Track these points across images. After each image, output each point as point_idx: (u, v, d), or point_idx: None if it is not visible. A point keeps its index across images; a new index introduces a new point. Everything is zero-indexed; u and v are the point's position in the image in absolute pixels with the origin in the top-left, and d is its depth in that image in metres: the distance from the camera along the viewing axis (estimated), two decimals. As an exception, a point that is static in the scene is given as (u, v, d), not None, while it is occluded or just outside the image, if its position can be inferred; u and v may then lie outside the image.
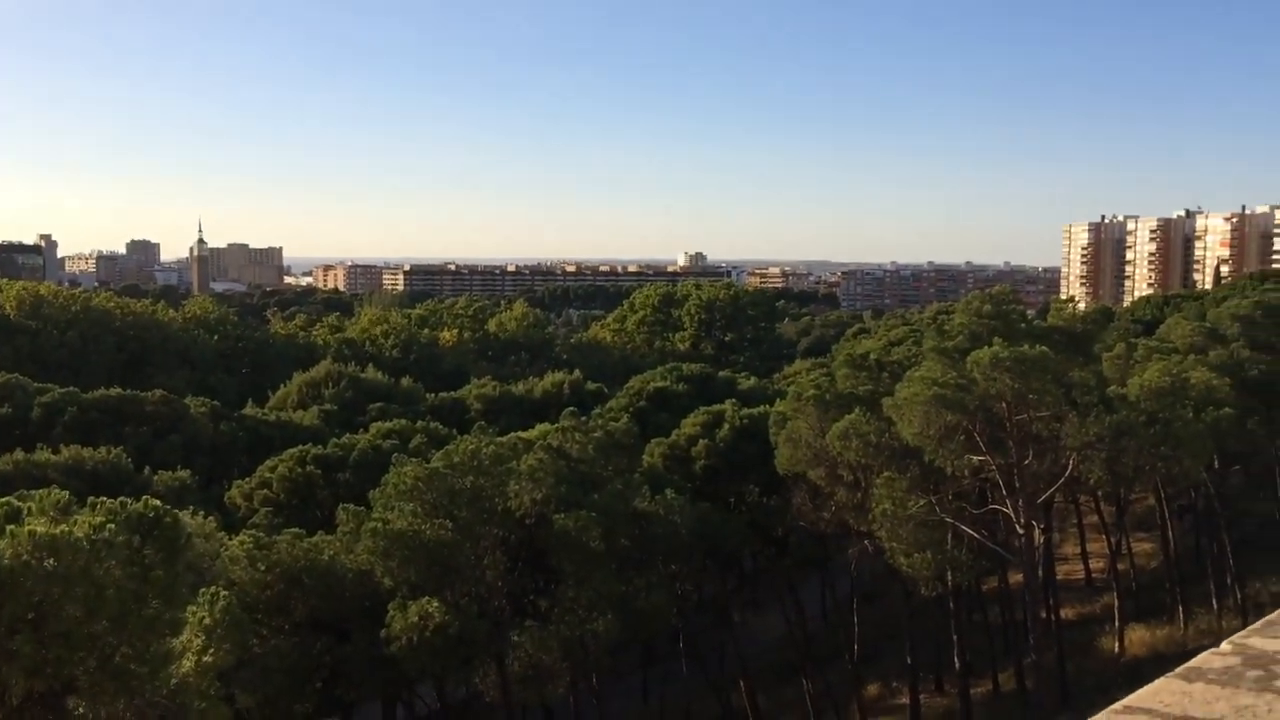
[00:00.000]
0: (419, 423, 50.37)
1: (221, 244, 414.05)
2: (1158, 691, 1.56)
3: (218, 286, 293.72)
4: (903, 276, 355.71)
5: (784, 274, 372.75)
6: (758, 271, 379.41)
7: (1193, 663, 1.69)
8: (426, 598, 26.95)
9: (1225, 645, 1.78)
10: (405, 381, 74.73)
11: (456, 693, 35.43)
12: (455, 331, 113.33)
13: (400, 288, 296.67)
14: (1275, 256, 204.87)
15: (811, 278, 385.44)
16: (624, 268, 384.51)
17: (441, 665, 28.38)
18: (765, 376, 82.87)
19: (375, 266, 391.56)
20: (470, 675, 31.52)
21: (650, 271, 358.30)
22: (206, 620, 14.87)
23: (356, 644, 28.09)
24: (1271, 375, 45.78)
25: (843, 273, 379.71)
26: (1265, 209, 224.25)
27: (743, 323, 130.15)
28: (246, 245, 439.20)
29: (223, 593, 16.07)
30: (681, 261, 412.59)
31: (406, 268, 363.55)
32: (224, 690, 18.59)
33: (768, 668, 46.91)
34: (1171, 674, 1.63)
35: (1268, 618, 2.00)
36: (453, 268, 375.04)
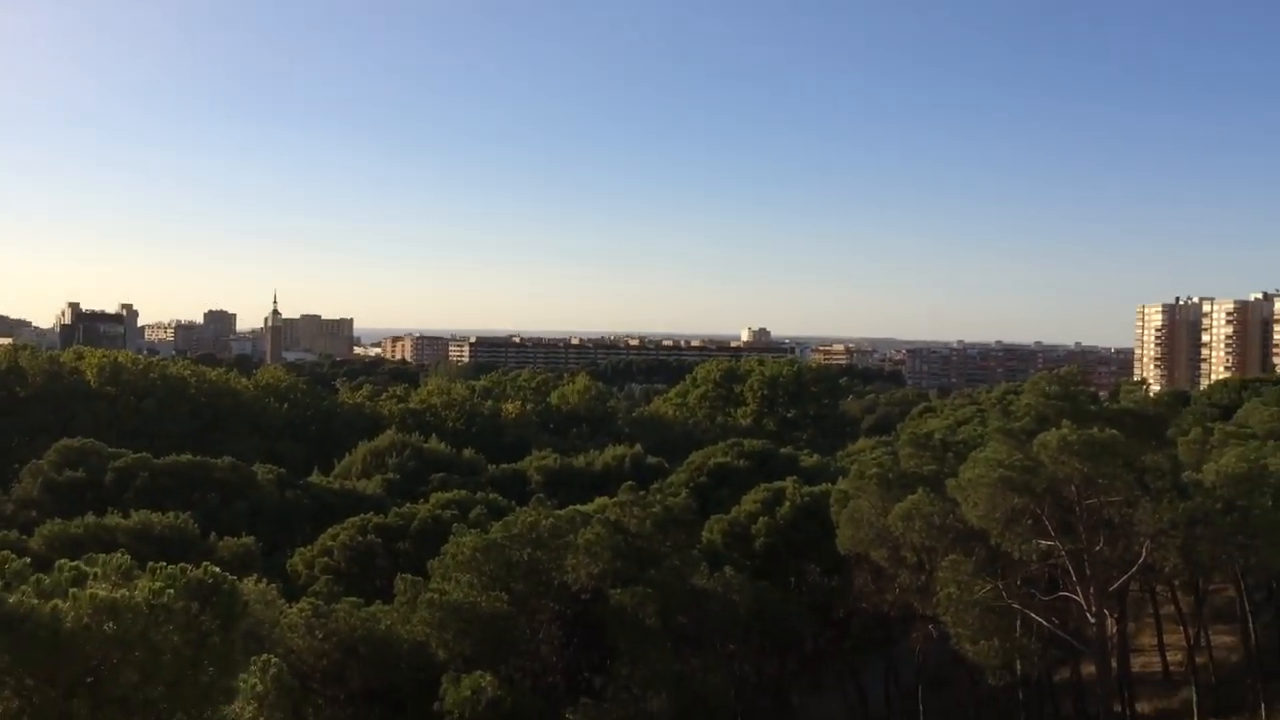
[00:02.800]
0: (479, 494, 50.61)
1: (295, 315, 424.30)
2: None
3: (289, 356, 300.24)
4: (969, 355, 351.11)
5: (848, 351, 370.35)
6: (821, 348, 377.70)
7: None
8: (480, 671, 26.76)
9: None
10: (467, 452, 75.23)
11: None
12: (518, 403, 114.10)
13: (465, 359, 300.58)
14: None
15: (876, 355, 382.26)
16: (687, 342, 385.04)
17: (494, 741, 28.00)
18: (828, 454, 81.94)
19: (442, 338, 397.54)
20: (523, 752, 31.07)
21: (713, 346, 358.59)
22: (259, 688, 14.91)
23: (410, 716, 27.91)
24: (1357, 463, 44.05)
25: (908, 351, 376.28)
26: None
27: (806, 399, 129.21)
28: (319, 316, 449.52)
29: (274, 660, 16.11)
30: (745, 337, 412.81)
31: (472, 340, 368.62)
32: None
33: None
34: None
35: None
36: (517, 340, 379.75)
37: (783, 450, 67.23)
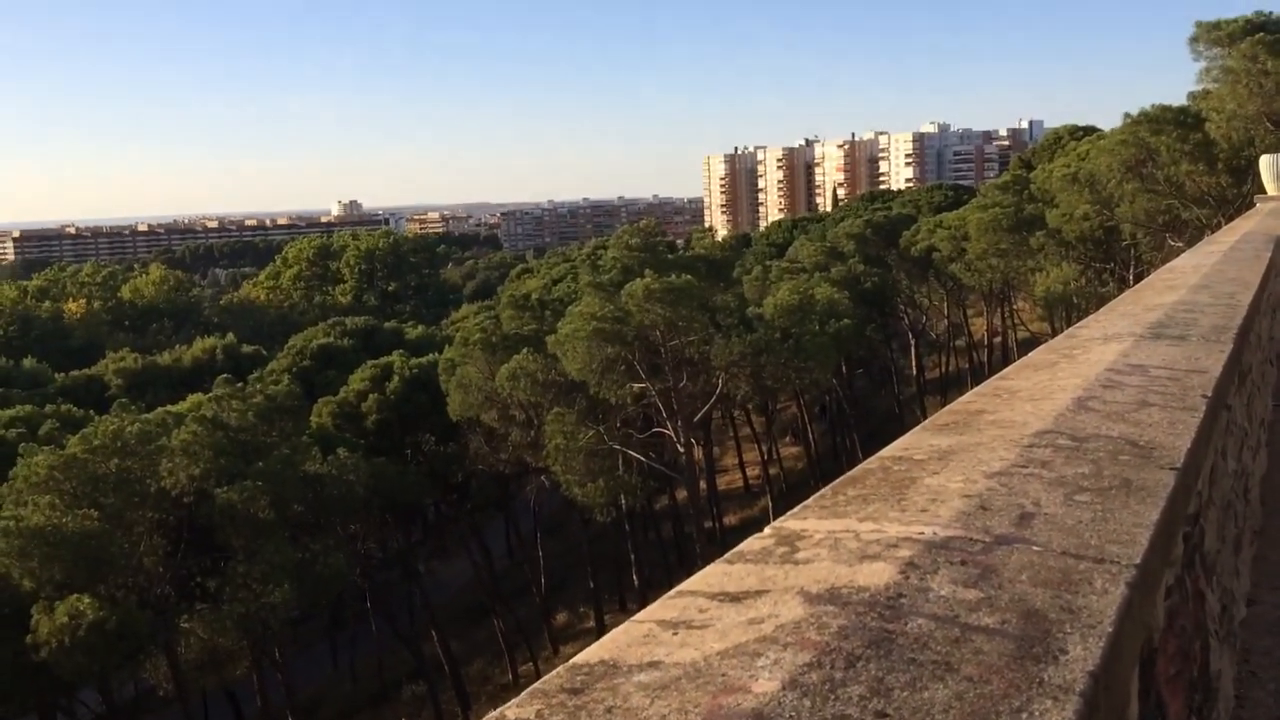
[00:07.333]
0: (49, 406, 45.42)
1: None
2: (706, 575, 1.86)
3: None
4: (560, 214, 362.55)
5: (444, 218, 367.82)
6: (416, 217, 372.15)
7: (739, 547, 2.02)
8: (76, 595, 24.72)
9: (767, 529, 2.14)
10: (27, 362, 66.81)
11: (125, 691, 32.86)
12: (83, 302, 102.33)
13: (10, 258, 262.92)
14: (881, 178, 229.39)
15: (472, 220, 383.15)
16: (272, 220, 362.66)
17: (101, 664, 26.21)
18: (433, 324, 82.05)
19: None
20: (137, 670, 29.42)
21: (302, 223, 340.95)
22: None
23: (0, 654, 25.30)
24: (882, 286, 51.67)
25: (502, 214, 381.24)
26: (870, 135, 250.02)
27: (405, 271, 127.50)
28: None
29: None
30: (335, 211, 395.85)
31: (15, 234, 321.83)
32: None
33: (459, 613, 47.35)
34: (720, 559, 1.95)
35: (805, 502, 2.40)
36: (73, 231, 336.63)
37: (387, 325, 66.38)
